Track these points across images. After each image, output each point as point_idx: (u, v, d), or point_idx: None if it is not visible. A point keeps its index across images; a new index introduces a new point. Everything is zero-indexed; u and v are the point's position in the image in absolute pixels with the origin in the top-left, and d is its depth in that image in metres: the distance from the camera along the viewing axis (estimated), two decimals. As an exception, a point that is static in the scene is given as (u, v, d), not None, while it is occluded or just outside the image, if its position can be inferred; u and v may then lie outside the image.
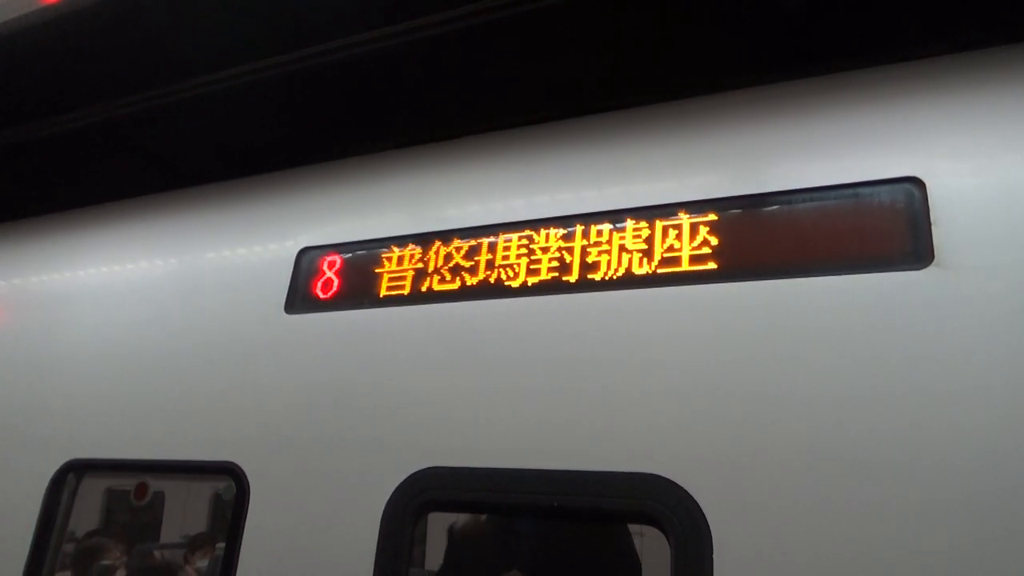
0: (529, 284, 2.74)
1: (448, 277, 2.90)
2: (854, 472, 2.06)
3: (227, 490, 3.06)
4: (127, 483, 5.48)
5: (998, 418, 1.98)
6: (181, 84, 3.42)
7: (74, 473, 3.30)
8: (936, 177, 2.30)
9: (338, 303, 3.08)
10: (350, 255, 3.17)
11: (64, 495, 3.28)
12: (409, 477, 2.60)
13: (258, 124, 3.60)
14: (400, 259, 3.04)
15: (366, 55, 3.09)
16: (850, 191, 2.42)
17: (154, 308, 3.48)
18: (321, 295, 3.14)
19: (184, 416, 3.14)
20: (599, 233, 2.72)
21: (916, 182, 2.32)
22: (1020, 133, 2.28)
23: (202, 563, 6.46)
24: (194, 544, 7.05)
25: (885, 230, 2.32)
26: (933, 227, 2.24)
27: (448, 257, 2.94)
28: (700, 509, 2.19)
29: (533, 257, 2.78)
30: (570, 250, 2.73)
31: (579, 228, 2.75)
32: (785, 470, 2.14)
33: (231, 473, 2.93)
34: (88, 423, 3.37)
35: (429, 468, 2.59)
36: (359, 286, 3.08)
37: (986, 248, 2.16)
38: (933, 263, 2.19)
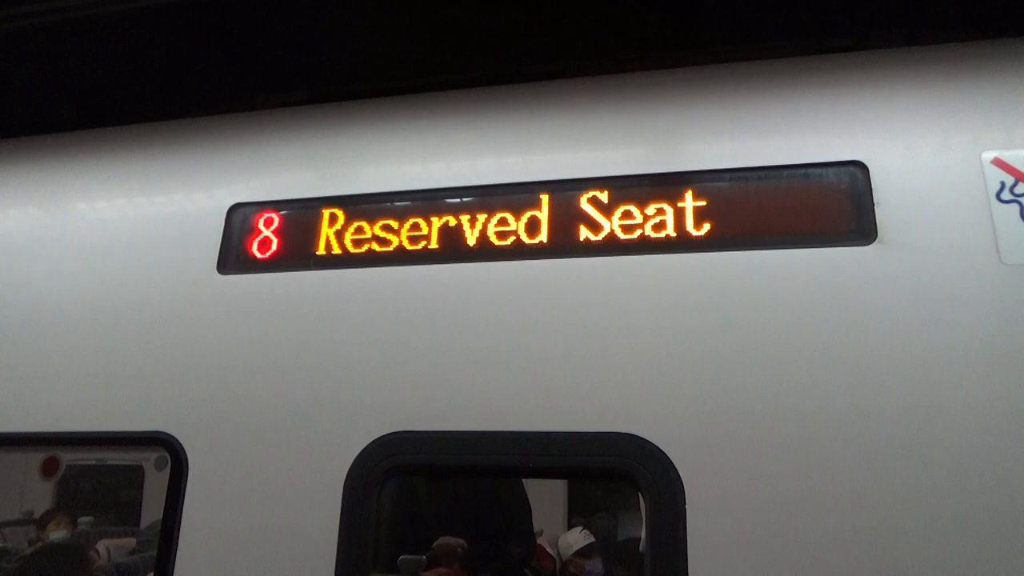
0: (496, 248, 2.73)
1: (410, 239, 2.82)
2: (811, 427, 2.28)
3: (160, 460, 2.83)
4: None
5: (929, 380, 2.26)
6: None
7: None
8: (879, 162, 2.54)
9: (280, 263, 2.91)
10: (288, 212, 2.99)
11: None
12: (373, 442, 2.55)
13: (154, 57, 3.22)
14: (351, 217, 2.91)
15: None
16: (800, 171, 2.61)
17: (70, 262, 3.10)
18: (259, 255, 2.95)
19: (107, 383, 2.85)
20: (563, 199, 2.75)
21: (860, 166, 2.55)
22: (958, 125, 2.56)
23: (56, 535, 6.12)
24: (43, 520, 6.62)
25: (833, 208, 2.55)
26: (876, 207, 2.48)
27: (411, 217, 2.85)
28: (674, 467, 2.33)
29: (498, 220, 2.77)
30: (536, 215, 2.75)
31: (543, 195, 2.77)
32: (752, 428, 2.32)
33: (164, 443, 2.72)
34: None
35: (395, 433, 2.55)
36: (303, 245, 2.92)
37: (922, 229, 2.42)
38: (877, 240, 2.44)
